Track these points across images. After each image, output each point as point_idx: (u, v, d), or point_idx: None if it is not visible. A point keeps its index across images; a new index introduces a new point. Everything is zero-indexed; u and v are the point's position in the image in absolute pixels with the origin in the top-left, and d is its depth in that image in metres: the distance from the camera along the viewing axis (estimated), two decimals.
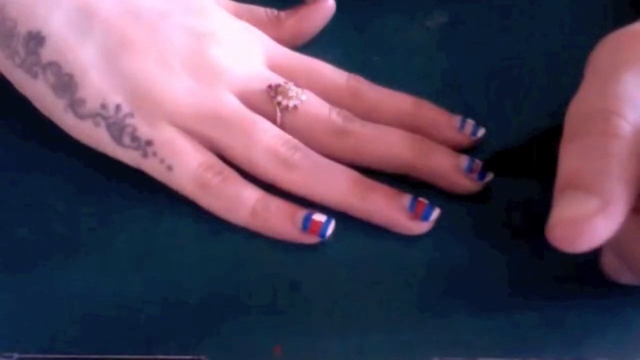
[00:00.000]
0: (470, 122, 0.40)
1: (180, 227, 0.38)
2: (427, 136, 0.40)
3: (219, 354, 0.35)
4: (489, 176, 0.39)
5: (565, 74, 0.42)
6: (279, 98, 0.39)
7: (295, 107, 0.39)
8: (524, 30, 0.45)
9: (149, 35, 0.38)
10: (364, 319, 0.36)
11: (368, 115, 0.40)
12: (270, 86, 0.39)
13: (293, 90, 0.39)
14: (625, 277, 0.35)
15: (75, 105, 0.38)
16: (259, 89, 0.39)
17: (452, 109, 0.41)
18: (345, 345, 0.35)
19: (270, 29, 0.42)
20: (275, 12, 0.43)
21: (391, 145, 0.39)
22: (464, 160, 0.38)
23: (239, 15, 0.42)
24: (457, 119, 0.40)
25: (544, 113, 0.41)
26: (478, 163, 0.39)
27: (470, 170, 0.38)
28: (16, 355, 0.34)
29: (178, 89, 0.38)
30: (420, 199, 0.38)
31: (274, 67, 0.41)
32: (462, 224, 0.38)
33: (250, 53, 0.40)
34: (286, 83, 0.39)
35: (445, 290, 0.37)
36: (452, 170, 0.38)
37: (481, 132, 0.40)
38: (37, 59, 0.38)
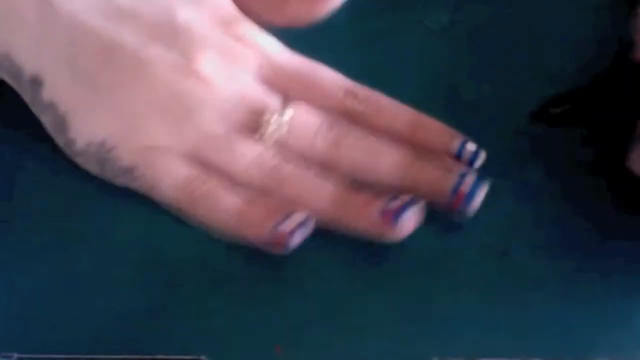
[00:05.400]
0: (469, 150, 0.39)
1: (181, 226, 0.38)
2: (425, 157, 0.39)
3: (219, 354, 0.35)
4: (477, 202, 0.38)
5: (566, 74, 0.42)
6: (261, 130, 0.39)
7: (277, 137, 0.39)
8: (525, 29, 0.45)
9: (127, 75, 0.38)
10: (364, 319, 0.36)
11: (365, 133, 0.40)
12: (252, 116, 0.39)
13: (275, 122, 0.39)
14: None
15: (69, 143, 0.39)
16: (242, 114, 0.39)
17: (452, 109, 0.41)
18: (345, 345, 0.35)
19: (278, 11, 0.41)
20: None
21: (380, 169, 0.38)
22: (452, 180, 0.38)
23: None
24: (455, 144, 0.39)
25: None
26: (463, 191, 0.37)
27: (457, 189, 0.37)
28: (16, 355, 0.34)
29: (158, 121, 0.38)
30: (393, 200, 0.37)
31: (269, 79, 0.40)
32: (462, 226, 0.38)
33: (236, 73, 0.40)
34: (270, 111, 0.39)
35: (445, 290, 0.37)
36: (440, 193, 0.38)
37: (480, 160, 0.39)
38: (40, 100, 0.39)
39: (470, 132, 0.40)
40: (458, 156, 0.39)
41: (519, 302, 0.36)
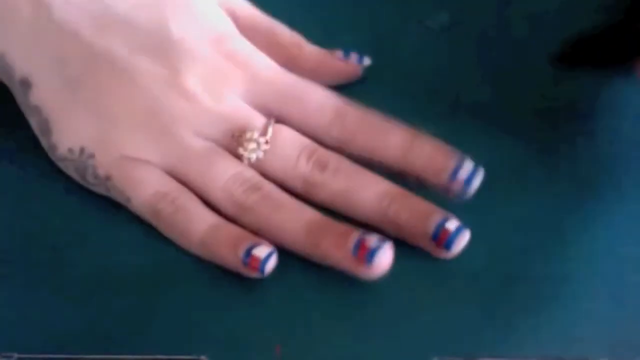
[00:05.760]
0: (466, 169, 0.37)
1: None
2: (419, 180, 0.39)
3: (219, 354, 0.35)
4: (462, 241, 0.37)
5: (567, 73, 0.42)
6: (241, 150, 0.38)
7: (257, 158, 0.38)
8: (525, 29, 0.45)
9: (114, 84, 0.38)
10: (363, 319, 0.36)
11: (356, 159, 0.39)
12: (233, 136, 0.38)
13: (254, 142, 0.38)
14: None
15: (51, 147, 0.39)
16: (223, 132, 0.38)
17: (452, 109, 0.41)
18: (345, 345, 0.35)
19: (287, 57, 0.41)
20: (300, 41, 0.42)
21: (359, 202, 0.38)
22: (431, 226, 0.36)
23: (256, 28, 0.41)
24: (450, 165, 0.38)
25: (545, 113, 0.41)
26: (448, 228, 0.36)
27: (437, 235, 0.36)
28: (16, 355, 0.34)
29: (138, 131, 0.38)
30: (367, 238, 0.36)
31: (256, 101, 0.40)
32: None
33: (224, 90, 0.39)
34: (250, 131, 0.38)
35: (445, 290, 0.37)
36: (419, 236, 0.37)
37: (476, 182, 0.38)
38: (28, 102, 0.39)
39: (469, 133, 0.40)
40: (454, 176, 0.38)
41: (519, 302, 0.36)
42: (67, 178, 0.39)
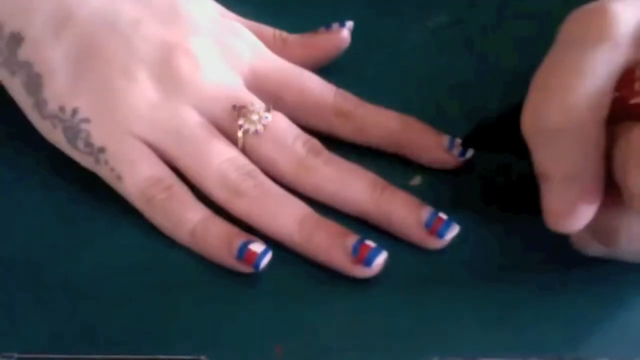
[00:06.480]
0: (458, 142, 0.39)
1: None
2: (415, 157, 0.39)
3: (219, 354, 0.35)
4: (453, 232, 0.37)
5: None
6: (241, 121, 0.38)
7: (256, 132, 0.38)
8: (524, 29, 0.45)
9: (119, 44, 0.38)
10: (363, 318, 0.36)
11: (355, 136, 0.40)
12: (234, 106, 0.38)
13: (256, 114, 0.38)
14: (593, 249, 0.35)
15: (39, 104, 0.38)
16: (222, 108, 0.38)
17: (451, 109, 0.41)
18: (345, 345, 0.35)
19: (275, 51, 0.41)
20: (283, 34, 0.42)
21: (351, 190, 0.38)
22: (424, 214, 0.37)
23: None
24: (445, 139, 0.39)
25: None
26: (442, 217, 0.37)
27: (431, 223, 0.37)
28: (16, 355, 0.34)
29: (138, 99, 0.38)
30: (367, 241, 0.36)
31: (257, 81, 0.40)
32: (461, 224, 0.38)
33: (227, 65, 0.40)
34: (252, 105, 0.38)
35: (445, 290, 0.37)
36: (411, 225, 0.37)
37: (469, 152, 0.39)
38: (15, 58, 0.39)
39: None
40: (449, 149, 0.39)
41: (519, 301, 0.36)
42: (68, 179, 0.39)
